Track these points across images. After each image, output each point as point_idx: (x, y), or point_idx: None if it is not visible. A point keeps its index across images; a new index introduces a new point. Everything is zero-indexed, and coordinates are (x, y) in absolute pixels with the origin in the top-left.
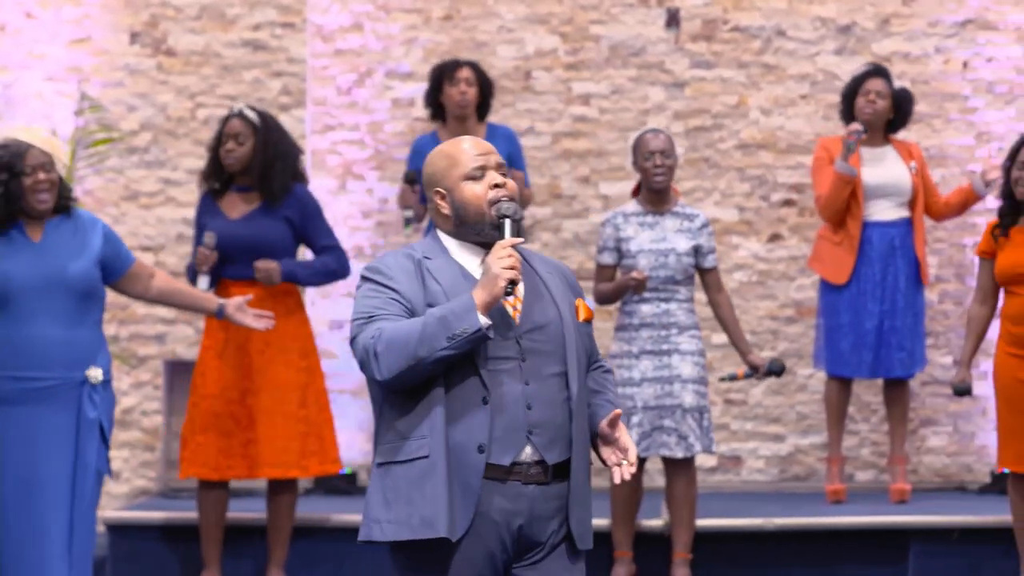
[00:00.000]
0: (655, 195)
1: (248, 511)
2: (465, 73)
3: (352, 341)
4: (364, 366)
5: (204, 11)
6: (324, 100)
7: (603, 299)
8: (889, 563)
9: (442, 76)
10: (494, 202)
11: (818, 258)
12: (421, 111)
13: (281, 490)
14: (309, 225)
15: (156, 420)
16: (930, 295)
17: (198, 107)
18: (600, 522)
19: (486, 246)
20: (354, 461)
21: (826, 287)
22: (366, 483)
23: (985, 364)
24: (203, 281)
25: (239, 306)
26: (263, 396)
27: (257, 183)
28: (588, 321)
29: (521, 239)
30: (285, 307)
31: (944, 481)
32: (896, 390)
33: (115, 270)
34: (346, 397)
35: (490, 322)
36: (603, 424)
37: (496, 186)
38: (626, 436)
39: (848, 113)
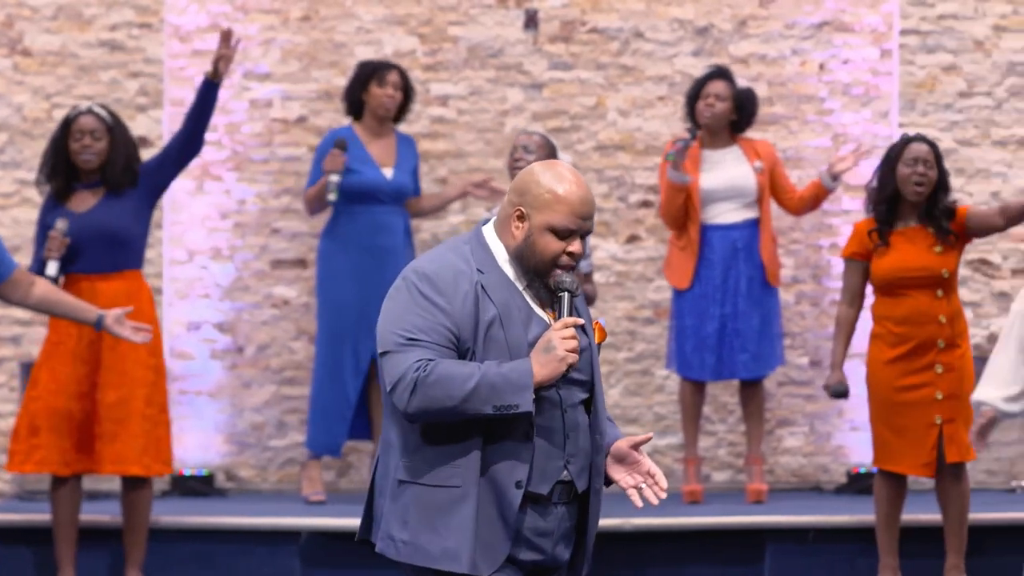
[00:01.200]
0: None
1: (104, 513)
2: (394, 77)
3: (386, 355)
4: (393, 389)
5: (60, 11)
6: (182, 101)
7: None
8: (745, 563)
9: (371, 75)
10: (559, 270)
11: (667, 263)
12: (278, 112)
13: (135, 489)
14: (157, 162)
15: (11, 422)
16: (787, 296)
17: (54, 108)
18: None
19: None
20: (211, 463)
21: (675, 290)
22: (223, 485)
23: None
24: (52, 267)
25: (118, 318)
26: (111, 392)
27: (108, 178)
28: (601, 344)
29: (580, 320)
30: (137, 305)
31: (800, 481)
32: (750, 391)
33: None
34: (203, 399)
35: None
36: (624, 445)
37: (570, 255)
38: (648, 460)
39: (692, 117)
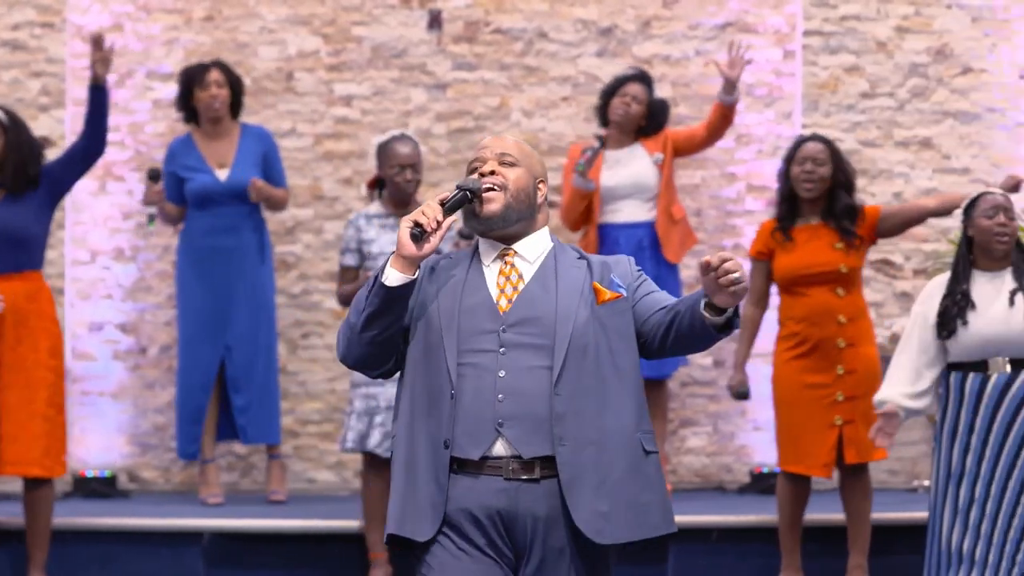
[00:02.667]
0: (400, 199)
1: (4, 514)
2: (215, 75)
3: None
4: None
5: None
6: (84, 100)
7: (345, 300)
8: (649, 563)
9: (192, 81)
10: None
11: None
12: (178, 116)
13: (36, 490)
14: (61, 163)
15: None
16: None
17: None
18: (349, 523)
19: (492, 238)
20: (114, 464)
21: None
22: (125, 486)
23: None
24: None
25: None
26: (12, 393)
27: (5, 178)
28: (617, 301)
29: (456, 198)
30: (38, 306)
31: (703, 481)
32: (653, 390)
33: None
34: (105, 399)
35: (405, 276)
36: (704, 262)
37: (480, 174)
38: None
39: (604, 112)
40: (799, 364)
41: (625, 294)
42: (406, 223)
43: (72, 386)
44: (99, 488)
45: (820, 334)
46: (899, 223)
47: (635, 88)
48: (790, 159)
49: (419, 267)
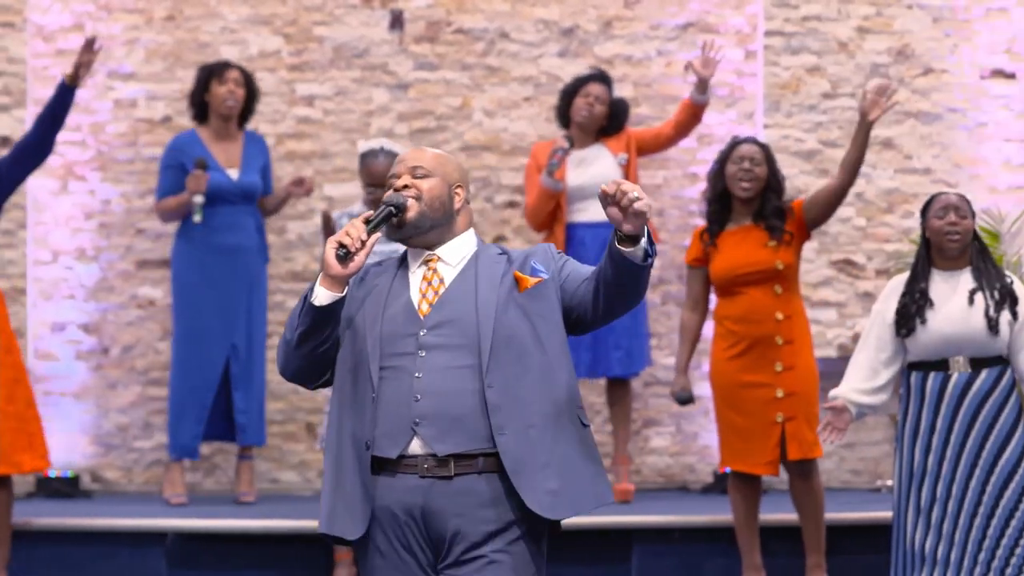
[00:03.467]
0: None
1: None
2: (235, 74)
3: None
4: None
5: None
6: (45, 100)
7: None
8: (612, 563)
9: (211, 75)
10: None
11: None
12: (143, 112)
13: None
14: (6, 163)
15: None
16: (652, 296)
17: None
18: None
19: (416, 246)
20: (76, 464)
21: None
22: (88, 486)
23: (707, 365)
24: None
25: None
26: None
27: None
28: (538, 285)
29: (382, 216)
30: None
31: (667, 481)
32: (618, 390)
33: None
34: (68, 400)
35: (333, 294)
36: (601, 192)
37: (395, 189)
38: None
39: (565, 112)
40: (737, 363)
41: (546, 277)
42: (331, 244)
43: (35, 386)
44: (62, 488)
45: (758, 332)
46: (820, 208)
47: (597, 88)
48: (724, 159)
49: (347, 284)
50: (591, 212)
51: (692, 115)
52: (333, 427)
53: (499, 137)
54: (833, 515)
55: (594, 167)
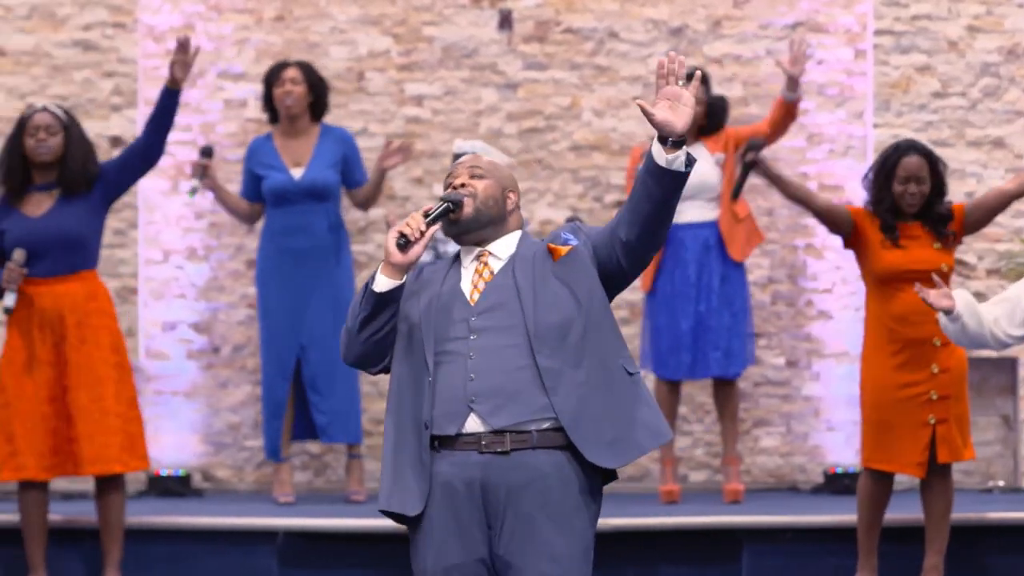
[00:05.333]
0: None
1: (78, 513)
2: (291, 73)
3: None
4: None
5: (34, 11)
6: (155, 101)
7: None
8: (722, 563)
9: (271, 78)
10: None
11: None
12: (253, 112)
13: (108, 488)
14: (117, 165)
15: None
16: (762, 296)
17: (29, 107)
18: None
19: (469, 243)
20: (188, 463)
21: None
22: (199, 485)
23: (818, 365)
24: (9, 299)
25: None
26: (82, 393)
27: (62, 177)
28: (570, 252)
29: (440, 210)
30: (96, 306)
31: (777, 481)
32: (724, 390)
33: None
34: (179, 399)
35: (393, 281)
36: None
37: (454, 187)
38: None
39: None
40: (893, 362)
41: (576, 243)
42: (392, 234)
43: (146, 385)
44: (173, 487)
45: (915, 333)
46: (983, 215)
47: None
48: (891, 174)
49: (406, 272)
50: (690, 213)
51: (785, 113)
52: (392, 411)
53: (608, 137)
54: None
55: (696, 169)
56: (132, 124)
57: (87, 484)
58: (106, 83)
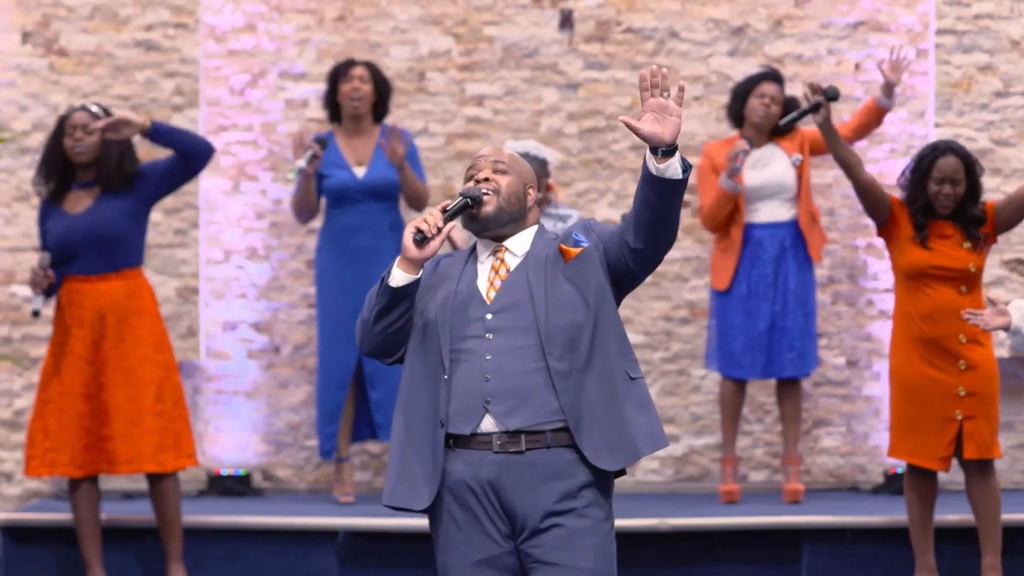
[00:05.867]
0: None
1: (136, 512)
2: (359, 71)
3: None
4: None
5: (96, 11)
6: (217, 101)
7: None
8: (782, 563)
9: (337, 75)
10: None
11: (711, 264)
12: (314, 112)
13: (159, 484)
14: (164, 168)
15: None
16: (823, 296)
17: (70, 107)
18: None
19: (487, 238)
20: (248, 462)
21: (715, 291)
22: (260, 484)
23: (878, 365)
24: (38, 302)
25: None
26: (119, 392)
27: (102, 175)
28: (581, 254)
29: (457, 205)
30: (138, 303)
31: (837, 481)
32: (788, 390)
33: None
34: (239, 398)
35: (409, 276)
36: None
37: (476, 181)
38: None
39: (737, 113)
40: (919, 356)
41: (587, 244)
42: (409, 229)
43: (206, 384)
44: (233, 486)
45: (940, 331)
46: (1014, 212)
47: (771, 88)
48: (926, 174)
49: (422, 267)
50: (768, 212)
51: (875, 118)
52: (402, 405)
53: None
54: (1008, 516)
55: (769, 167)
56: (193, 124)
57: (143, 482)
58: (168, 83)
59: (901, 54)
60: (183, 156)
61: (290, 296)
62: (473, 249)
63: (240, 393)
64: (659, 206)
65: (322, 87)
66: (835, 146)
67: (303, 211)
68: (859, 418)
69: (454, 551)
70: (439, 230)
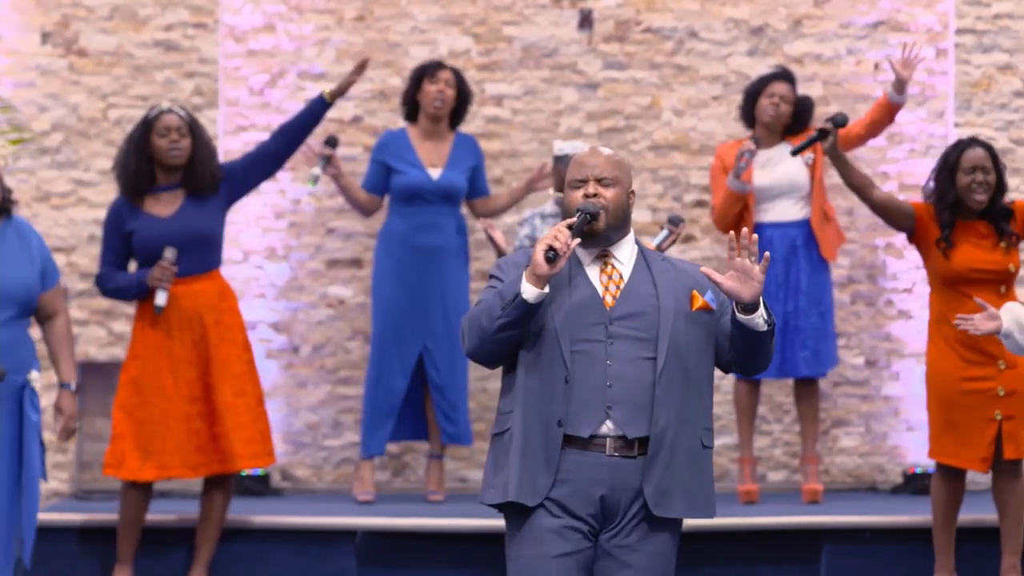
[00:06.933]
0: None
1: (162, 512)
2: (446, 75)
3: None
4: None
5: (116, 11)
6: (237, 101)
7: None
8: (801, 563)
9: (423, 74)
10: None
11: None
12: (334, 112)
13: (219, 486)
14: (243, 166)
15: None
16: (842, 296)
17: (110, 107)
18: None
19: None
20: None
21: None
22: (279, 484)
23: (897, 365)
24: (161, 297)
25: (63, 407)
26: (226, 390)
27: (191, 178)
28: (707, 310)
29: (563, 228)
30: (229, 303)
31: (856, 481)
32: (806, 390)
33: (43, 285)
34: None
35: (540, 291)
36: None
37: (586, 195)
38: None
39: (749, 113)
40: (957, 357)
41: (715, 307)
42: (541, 247)
43: None
44: (252, 486)
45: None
46: None
47: (782, 87)
48: (954, 167)
49: (548, 282)
50: (778, 212)
51: (887, 114)
52: (519, 406)
53: (688, 136)
54: None
55: (781, 167)
56: (213, 124)
57: (170, 484)
58: (187, 83)
59: (913, 51)
60: (289, 146)
61: (309, 296)
62: (574, 253)
63: None
64: (744, 349)
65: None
66: (844, 171)
67: (356, 209)
68: (878, 418)
69: (536, 543)
70: (568, 247)
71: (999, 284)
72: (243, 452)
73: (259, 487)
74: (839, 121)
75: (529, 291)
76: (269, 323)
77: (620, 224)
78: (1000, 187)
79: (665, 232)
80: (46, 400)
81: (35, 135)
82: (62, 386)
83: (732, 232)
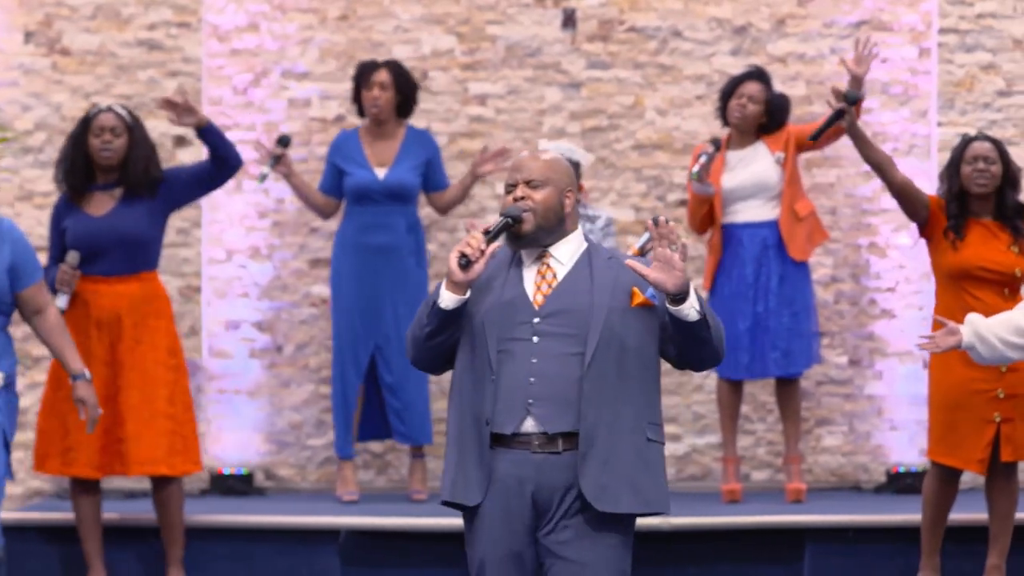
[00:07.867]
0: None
1: (138, 511)
2: (380, 77)
3: None
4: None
5: (99, 10)
6: (220, 100)
7: None
8: (785, 562)
9: (360, 78)
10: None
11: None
12: (317, 111)
13: (164, 487)
14: (190, 175)
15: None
16: (825, 295)
17: (93, 107)
18: None
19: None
20: (250, 462)
21: (706, 290)
22: (262, 484)
23: (881, 364)
24: (62, 300)
25: (83, 397)
26: (135, 394)
27: (126, 177)
28: (647, 306)
29: (478, 233)
30: (154, 307)
31: (839, 481)
32: (786, 389)
33: (14, 285)
34: (241, 397)
35: (459, 297)
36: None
37: (515, 199)
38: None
39: (724, 112)
40: (961, 357)
41: (656, 304)
42: (454, 254)
43: (208, 384)
44: (236, 486)
45: None
46: None
47: (751, 87)
48: (958, 159)
49: (469, 287)
50: (749, 212)
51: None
52: (455, 405)
53: (671, 136)
54: (1021, 515)
55: (752, 166)
56: None
57: (147, 482)
58: (170, 83)
59: (866, 47)
60: (220, 161)
61: (292, 295)
62: (516, 253)
63: (242, 392)
64: (682, 341)
65: (324, 86)
66: (864, 149)
67: (314, 210)
68: (861, 417)
69: (489, 544)
70: (482, 252)
71: (1003, 286)
72: (142, 457)
73: (242, 487)
74: (852, 98)
75: (447, 298)
76: (252, 322)
77: (553, 225)
78: (1008, 180)
79: (648, 235)
80: (26, 400)
81: (18, 134)
82: (75, 378)
83: (649, 222)
